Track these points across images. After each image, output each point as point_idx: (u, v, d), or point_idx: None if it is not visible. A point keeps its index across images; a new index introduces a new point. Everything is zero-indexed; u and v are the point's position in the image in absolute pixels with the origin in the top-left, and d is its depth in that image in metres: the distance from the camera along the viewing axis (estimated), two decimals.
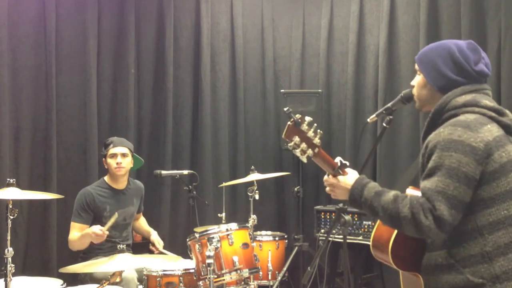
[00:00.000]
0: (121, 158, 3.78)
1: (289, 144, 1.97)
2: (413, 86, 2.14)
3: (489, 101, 1.94)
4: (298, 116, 1.95)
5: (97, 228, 3.48)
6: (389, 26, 4.67)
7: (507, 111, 1.96)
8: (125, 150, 3.82)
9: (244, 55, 5.22)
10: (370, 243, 2.27)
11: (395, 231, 2.10)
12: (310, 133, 1.96)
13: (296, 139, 1.95)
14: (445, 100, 1.96)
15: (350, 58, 4.93)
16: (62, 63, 4.44)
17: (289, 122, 1.95)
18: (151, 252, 4.00)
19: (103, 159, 3.87)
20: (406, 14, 4.61)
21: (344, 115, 4.99)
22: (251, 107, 5.27)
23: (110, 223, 3.50)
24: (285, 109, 2.00)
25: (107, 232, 3.49)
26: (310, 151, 1.97)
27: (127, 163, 3.82)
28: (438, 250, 1.94)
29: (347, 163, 2.05)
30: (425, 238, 1.94)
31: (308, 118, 1.97)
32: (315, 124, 1.99)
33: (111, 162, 3.78)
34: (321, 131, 1.98)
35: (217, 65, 5.11)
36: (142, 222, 4.19)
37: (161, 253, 3.84)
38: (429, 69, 2.03)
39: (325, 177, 2.08)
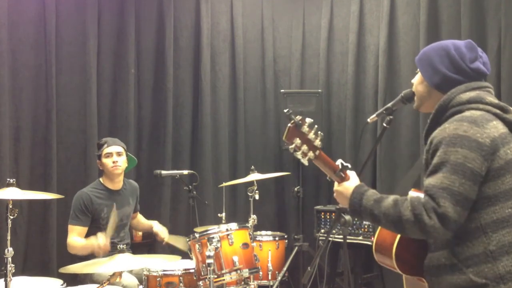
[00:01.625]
0: (116, 156, 3.76)
1: (290, 147, 1.93)
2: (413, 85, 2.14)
3: (493, 98, 1.93)
4: (298, 117, 1.91)
5: (102, 240, 3.48)
6: (389, 26, 4.67)
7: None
8: (119, 149, 3.80)
9: (244, 55, 5.22)
10: (373, 248, 2.23)
11: (399, 235, 2.07)
12: (311, 135, 1.92)
13: (297, 141, 1.91)
14: (449, 97, 1.95)
15: (350, 58, 4.93)
16: (62, 63, 4.44)
17: (289, 124, 1.91)
18: (161, 242, 3.98)
19: (98, 160, 3.84)
20: (406, 14, 4.61)
21: (344, 115, 4.99)
22: (251, 107, 5.27)
23: (111, 225, 3.49)
24: (285, 110, 1.95)
25: (108, 247, 3.50)
26: (311, 154, 1.94)
27: (123, 161, 3.81)
28: (441, 250, 1.90)
29: (349, 165, 2.02)
30: (431, 239, 1.90)
31: (309, 120, 1.93)
32: (316, 126, 1.94)
33: (107, 161, 3.76)
34: (321, 133, 1.95)
35: (217, 65, 5.11)
36: (140, 220, 4.17)
37: (168, 244, 3.84)
38: (425, 67, 2.04)
39: (335, 186, 2.05)
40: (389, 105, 2.27)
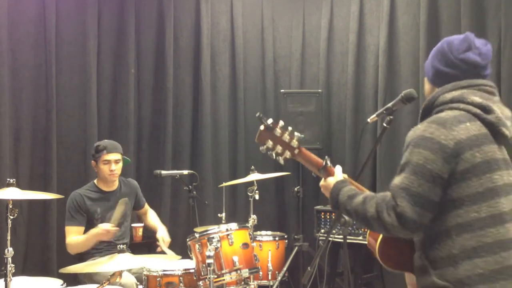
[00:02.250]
0: (114, 165, 3.74)
1: (261, 148, 2.04)
2: None
3: (478, 97, 1.88)
4: (270, 121, 2.02)
5: (106, 225, 3.50)
6: (389, 26, 4.67)
7: (496, 109, 1.88)
8: (118, 156, 3.78)
9: (244, 55, 5.22)
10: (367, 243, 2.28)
11: None
12: (286, 136, 2.02)
13: (269, 143, 2.03)
14: (433, 96, 1.96)
15: (350, 58, 4.93)
16: (62, 63, 4.44)
17: (260, 127, 2.02)
18: (156, 248, 3.98)
19: (93, 161, 3.82)
20: (406, 14, 4.61)
21: (344, 115, 4.99)
22: (251, 107, 5.26)
23: (117, 214, 3.49)
24: (257, 114, 2.06)
25: (116, 228, 3.51)
26: (288, 153, 2.04)
27: (119, 168, 3.81)
28: (418, 250, 1.92)
29: (328, 163, 2.08)
30: (395, 235, 1.89)
31: (281, 122, 2.04)
32: (290, 128, 2.04)
33: (104, 168, 3.75)
34: (298, 134, 2.04)
35: (217, 65, 5.11)
36: (149, 217, 4.14)
37: (162, 252, 3.83)
38: (427, 65, 2.07)
39: (321, 182, 2.11)
40: (389, 105, 2.27)
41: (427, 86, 2.07)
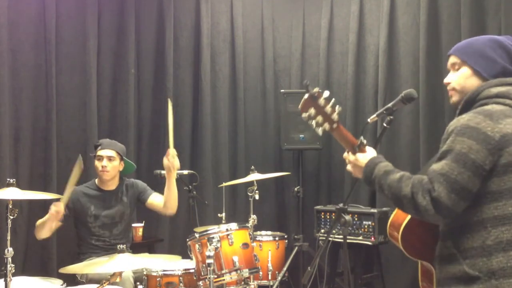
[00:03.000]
0: (106, 161, 3.72)
1: (303, 115, 2.04)
2: (448, 83, 2.08)
3: None
4: (316, 89, 2.02)
5: (57, 205, 3.38)
6: (389, 26, 4.67)
7: None
8: (111, 153, 3.74)
9: (244, 55, 5.22)
10: (387, 224, 2.30)
11: (408, 216, 2.13)
12: (328, 108, 2.03)
13: (312, 111, 2.03)
14: (478, 89, 1.94)
15: (350, 58, 4.93)
16: (62, 63, 4.44)
17: (305, 95, 2.02)
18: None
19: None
20: (406, 14, 4.61)
21: (344, 115, 4.98)
22: (251, 107, 5.27)
23: (67, 194, 3.37)
24: (304, 81, 2.09)
25: (62, 206, 3.38)
26: (327, 125, 2.04)
27: (113, 166, 3.75)
28: (446, 240, 1.93)
29: (364, 142, 2.09)
30: (425, 220, 1.91)
31: (326, 93, 2.04)
32: (333, 99, 2.04)
33: (97, 164, 3.74)
34: (340, 107, 2.04)
35: (217, 65, 5.11)
36: (156, 200, 3.87)
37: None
38: (478, 58, 2.00)
39: (345, 154, 2.12)
40: (389, 105, 2.27)
41: (474, 80, 1.99)
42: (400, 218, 2.19)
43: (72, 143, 4.49)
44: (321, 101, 2.02)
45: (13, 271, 2.77)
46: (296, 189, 4.87)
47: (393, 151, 4.60)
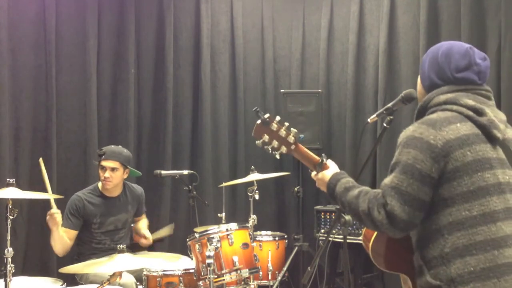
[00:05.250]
0: (109, 172, 3.67)
1: (257, 142, 2.08)
2: None
3: (472, 100, 1.88)
4: (267, 115, 2.06)
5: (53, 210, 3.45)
6: (389, 26, 4.67)
7: (489, 112, 1.88)
8: (114, 164, 3.68)
9: (244, 55, 5.22)
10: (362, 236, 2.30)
11: None
12: (282, 131, 2.07)
13: (265, 137, 2.07)
14: (429, 97, 1.97)
15: (350, 58, 4.93)
16: (62, 63, 4.44)
17: (257, 121, 2.06)
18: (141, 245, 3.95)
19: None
20: (406, 14, 4.61)
21: (344, 115, 4.99)
22: (251, 107, 5.25)
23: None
24: (254, 108, 2.11)
25: (54, 211, 3.44)
26: (284, 148, 2.08)
27: (116, 177, 3.71)
28: (415, 252, 1.93)
29: (325, 160, 2.11)
30: (385, 233, 1.91)
31: (277, 118, 2.08)
32: (287, 123, 2.08)
33: (101, 174, 3.71)
34: (295, 130, 2.08)
35: (217, 65, 5.11)
36: (141, 223, 4.06)
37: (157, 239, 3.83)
38: (421, 68, 2.06)
39: (312, 174, 2.14)
40: (389, 105, 2.27)
41: (420, 89, 2.07)
42: (370, 231, 2.17)
43: (72, 143, 4.49)
44: (274, 125, 2.06)
45: (13, 271, 2.77)
46: (296, 189, 4.87)
47: (393, 151, 4.57)
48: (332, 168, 2.10)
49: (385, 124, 2.26)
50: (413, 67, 4.51)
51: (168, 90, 4.84)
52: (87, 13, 4.50)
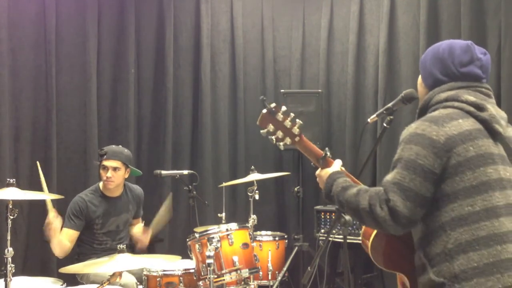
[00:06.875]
0: (111, 172, 3.67)
1: (261, 131, 2.05)
2: None
3: (473, 97, 1.89)
4: (273, 105, 2.04)
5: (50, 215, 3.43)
6: (389, 26, 4.68)
7: (490, 107, 1.89)
8: (116, 164, 3.69)
9: (244, 55, 5.22)
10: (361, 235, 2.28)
11: None
12: (287, 122, 2.05)
13: (270, 127, 2.04)
14: (430, 96, 1.97)
15: (350, 58, 4.93)
16: (62, 63, 4.44)
17: (263, 110, 2.03)
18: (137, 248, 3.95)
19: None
20: (406, 14, 4.61)
21: (344, 115, 4.99)
22: (251, 107, 5.26)
23: (49, 205, 3.43)
24: (261, 97, 2.12)
25: (52, 217, 3.43)
26: (288, 139, 2.06)
27: (118, 176, 3.72)
28: (417, 250, 1.91)
29: (328, 154, 2.10)
30: (385, 231, 1.89)
31: (283, 108, 2.05)
32: (292, 114, 2.06)
33: (102, 173, 3.71)
34: (300, 121, 2.06)
35: (217, 65, 5.11)
36: (136, 227, 4.02)
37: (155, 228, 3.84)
38: (422, 68, 2.06)
39: (317, 171, 2.12)
40: (389, 105, 2.27)
41: (422, 88, 2.07)
42: (369, 229, 2.16)
43: (72, 143, 4.49)
44: (279, 115, 2.04)
45: (13, 271, 2.77)
46: (296, 189, 4.87)
47: (393, 151, 4.57)
48: (334, 166, 2.08)
49: (385, 124, 2.26)
50: (413, 67, 4.51)
51: (168, 90, 4.84)
52: (87, 13, 4.50)
